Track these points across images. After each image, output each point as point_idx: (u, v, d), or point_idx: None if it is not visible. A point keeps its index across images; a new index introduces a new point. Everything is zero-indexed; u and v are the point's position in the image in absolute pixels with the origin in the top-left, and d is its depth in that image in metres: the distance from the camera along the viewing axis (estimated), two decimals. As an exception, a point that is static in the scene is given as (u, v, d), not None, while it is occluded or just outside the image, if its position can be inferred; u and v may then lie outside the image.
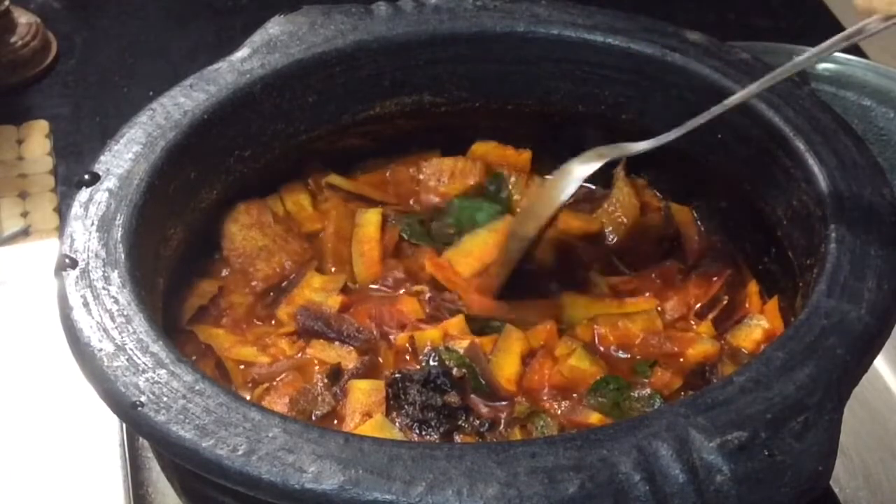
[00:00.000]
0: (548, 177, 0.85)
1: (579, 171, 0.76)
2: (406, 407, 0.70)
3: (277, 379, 0.72)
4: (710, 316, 0.77)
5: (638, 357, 0.75)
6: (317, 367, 0.73)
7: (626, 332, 0.75)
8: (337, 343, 0.75)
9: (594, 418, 0.70)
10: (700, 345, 0.74)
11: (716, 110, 0.72)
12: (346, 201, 0.84)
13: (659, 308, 0.78)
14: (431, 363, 0.72)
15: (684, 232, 0.83)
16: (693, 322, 0.77)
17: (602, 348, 0.75)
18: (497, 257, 0.80)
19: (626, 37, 0.82)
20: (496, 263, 0.79)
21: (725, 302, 0.78)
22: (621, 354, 0.75)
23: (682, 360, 0.74)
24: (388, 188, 0.86)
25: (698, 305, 0.78)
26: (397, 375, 0.71)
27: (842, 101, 1.06)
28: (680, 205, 0.85)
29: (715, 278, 0.79)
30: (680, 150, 0.77)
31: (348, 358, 0.74)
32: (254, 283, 0.79)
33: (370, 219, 0.82)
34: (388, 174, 0.87)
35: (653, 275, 0.80)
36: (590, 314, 0.77)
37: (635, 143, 0.76)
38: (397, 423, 0.69)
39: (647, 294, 0.79)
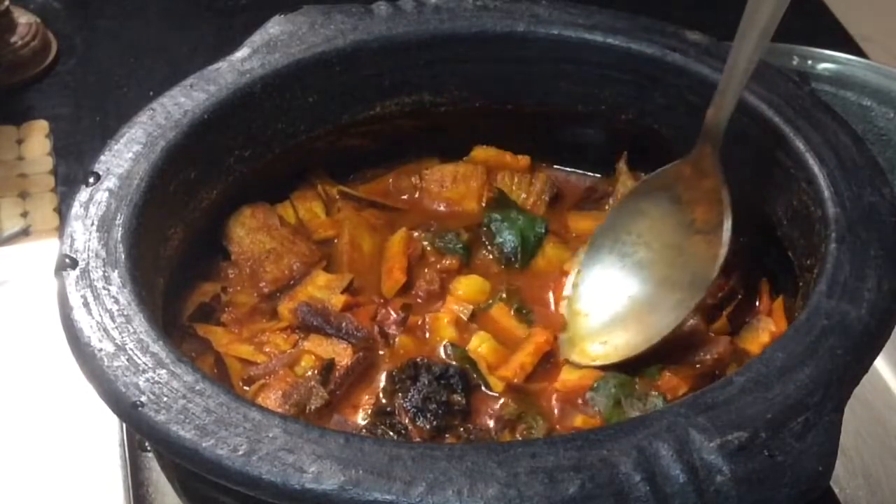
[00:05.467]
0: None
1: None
2: (412, 391, 0.70)
3: (271, 375, 0.72)
4: (726, 311, 0.75)
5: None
6: (310, 361, 0.73)
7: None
8: (334, 339, 0.74)
9: (579, 420, 0.70)
10: (716, 347, 0.73)
11: None
12: (358, 210, 0.84)
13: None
14: (452, 362, 0.72)
15: None
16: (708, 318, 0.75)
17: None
18: None
19: (626, 37, 0.82)
20: None
21: (741, 296, 0.76)
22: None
23: (698, 365, 0.72)
24: (392, 197, 0.86)
25: (719, 296, 0.76)
26: (419, 361, 0.71)
27: (842, 101, 1.06)
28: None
29: (732, 269, 0.77)
30: (679, 149, 0.77)
31: (343, 354, 0.73)
32: (262, 285, 0.78)
33: (395, 241, 0.81)
34: (390, 184, 0.86)
35: None
36: None
37: None
38: (395, 403, 0.70)
39: None
